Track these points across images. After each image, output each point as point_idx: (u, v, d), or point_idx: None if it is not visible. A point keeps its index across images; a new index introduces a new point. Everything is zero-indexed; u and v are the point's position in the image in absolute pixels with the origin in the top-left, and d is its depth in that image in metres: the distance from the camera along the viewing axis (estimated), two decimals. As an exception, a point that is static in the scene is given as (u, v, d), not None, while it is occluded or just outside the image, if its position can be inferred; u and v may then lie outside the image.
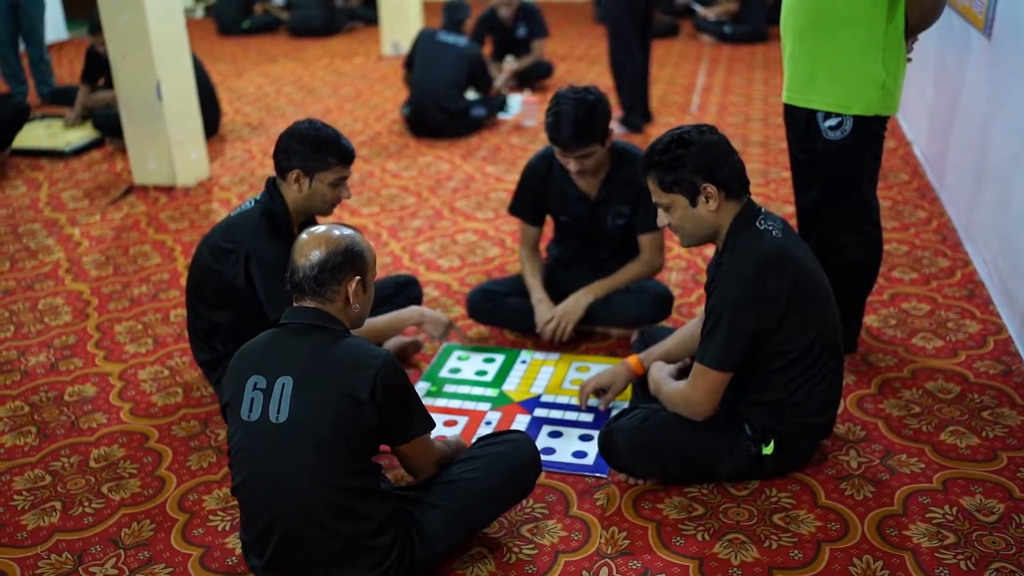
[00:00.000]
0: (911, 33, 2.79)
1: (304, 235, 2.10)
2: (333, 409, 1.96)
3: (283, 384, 1.98)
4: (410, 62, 6.03)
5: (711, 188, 2.32)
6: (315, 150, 2.67)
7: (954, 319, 3.32)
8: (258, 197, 2.79)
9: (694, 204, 2.36)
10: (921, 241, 3.99)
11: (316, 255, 2.04)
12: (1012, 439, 2.64)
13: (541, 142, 5.67)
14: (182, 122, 5.02)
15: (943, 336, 3.21)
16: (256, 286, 2.69)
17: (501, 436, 2.36)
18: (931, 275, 3.67)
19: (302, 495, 1.97)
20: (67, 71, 8.33)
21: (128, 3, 4.67)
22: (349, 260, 2.06)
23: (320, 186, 2.72)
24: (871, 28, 2.72)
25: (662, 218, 2.45)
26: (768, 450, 2.44)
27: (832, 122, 2.82)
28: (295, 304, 2.09)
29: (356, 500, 2.01)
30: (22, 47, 7.05)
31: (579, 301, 3.19)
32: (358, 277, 2.09)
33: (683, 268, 3.85)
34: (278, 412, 1.98)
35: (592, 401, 2.88)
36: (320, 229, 2.10)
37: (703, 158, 2.31)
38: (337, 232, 2.08)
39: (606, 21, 5.75)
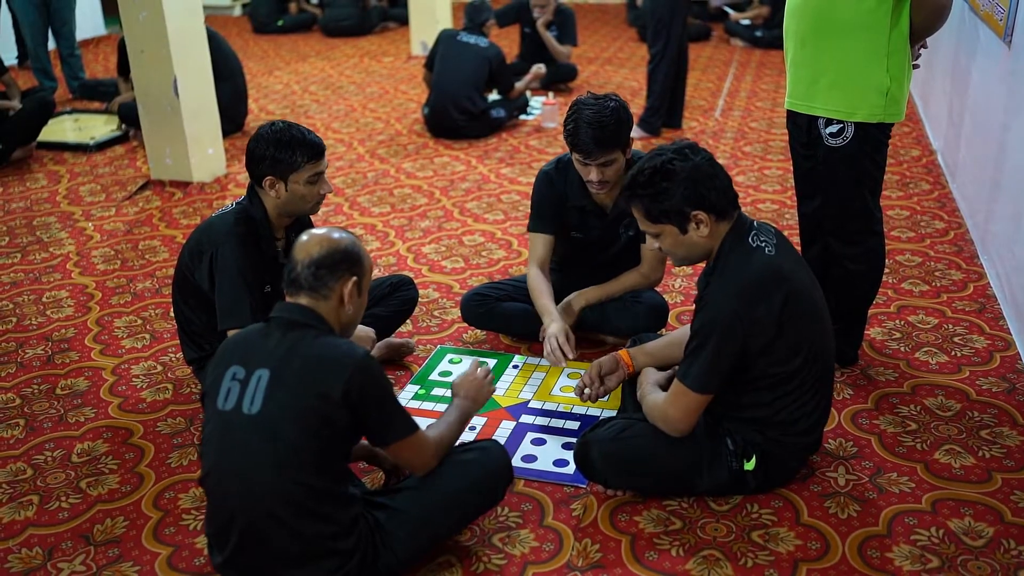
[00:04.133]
0: (916, 39, 2.71)
1: (304, 235, 2.11)
2: (305, 406, 1.95)
3: (260, 376, 1.99)
4: (430, 62, 6.01)
5: (702, 215, 2.24)
6: (281, 151, 2.63)
7: (962, 334, 3.21)
8: (240, 199, 2.78)
9: (684, 231, 2.28)
10: (936, 252, 3.88)
11: (316, 252, 2.06)
12: (1009, 460, 2.55)
13: (559, 145, 5.63)
14: (199, 118, 5.05)
15: (948, 351, 3.11)
16: (215, 290, 2.68)
17: (472, 444, 2.32)
18: (942, 288, 3.56)
19: (266, 489, 1.96)
20: (103, 67, 8.44)
21: (146, 0, 4.70)
22: (347, 260, 2.08)
23: (296, 187, 2.68)
24: (874, 34, 2.64)
25: (651, 243, 2.38)
26: (750, 466, 2.37)
27: (833, 128, 2.74)
28: (288, 300, 2.09)
29: (320, 501, 1.99)
30: (53, 44, 7.15)
31: (570, 306, 3.13)
32: (354, 278, 2.09)
33: (688, 275, 3.78)
34: (251, 403, 1.98)
35: (579, 408, 2.83)
36: (321, 230, 2.12)
37: (690, 187, 2.22)
38: (337, 234, 2.11)
39: (651, 18, 5.63)
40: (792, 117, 2.92)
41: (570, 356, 2.91)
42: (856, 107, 2.70)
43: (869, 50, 2.66)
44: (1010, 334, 3.19)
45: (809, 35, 2.75)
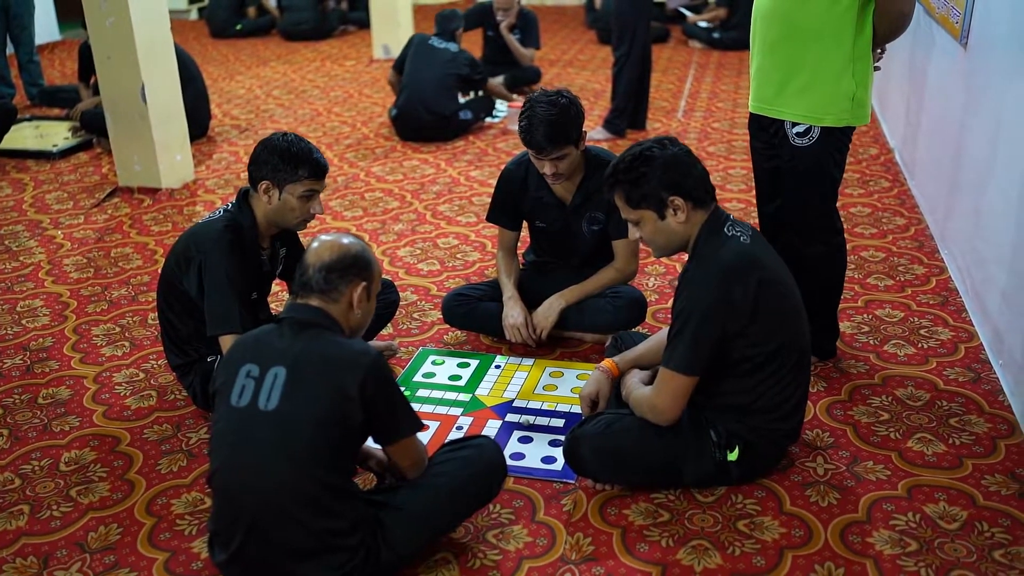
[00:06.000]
0: (878, 44, 2.82)
1: (316, 241, 2.18)
2: (323, 403, 2.01)
3: (276, 374, 2.03)
4: (400, 65, 6.05)
5: (678, 200, 2.35)
6: (285, 161, 2.68)
7: (927, 326, 3.33)
8: (228, 206, 2.80)
9: (663, 217, 2.38)
10: (898, 248, 4.00)
11: (327, 256, 2.12)
12: (978, 447, 2.65)
13: (526, 147, 5.69)
14: (167, 124, 5.03)
15: (915, 343, 3.22)
16: (204, 296, 2.70)
17: (467, 441, 2.38)
18: (906, 282, 3.68)
19: (281, 484, 1.99)
20: (59, 72, 8.34)
21: (113, 6, 4.67)
22: (357, 266, 2.15)
23: (290, 198, 2.72)
24: (840, 41, 2.73)
25: (633, 232, 2.47)
26: (733, 456, 2.45)
27: (800, 128, 2.83)
28: (299, 301, 2.14)
29: (333, 496, 2.04)
30: (11, 49, 7.06)
31: (552, 306, 3.21)
32: (364, 283, 2.16)
33: (661, 274, 3.86)
34: (268, 400, 2.02)
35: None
36: (333, 235, 2.19)
37: (667, 172, 2.34)
38: (347, 240, 2.18)
39: (616, 20, 5.70)
40: (756, 120, 3.00)
41: (531, 344, 3.21)
42: (824, 112, 2.80)
43: (836, 57, 2.75)
44: (972, 326, 3.31)
45: (778, 41, 2.83)
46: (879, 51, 2.87)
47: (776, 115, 2.86)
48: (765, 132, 2.94)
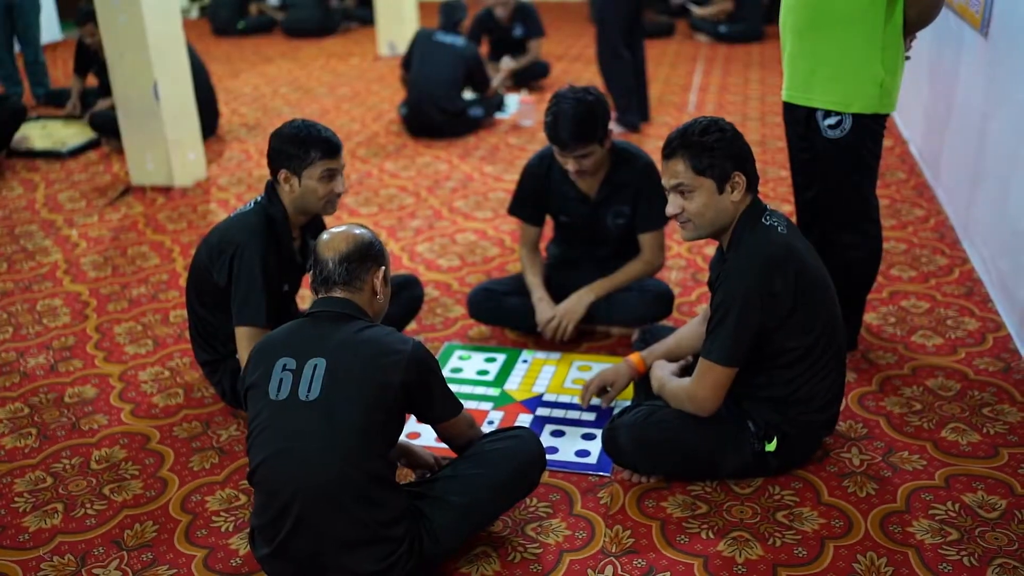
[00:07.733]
0: (909, 31, 2.80)
1: (325, 235, 2.18)
2: (366, 392, 2.01)
3: (315, 365, 2.03)
4: (407, 62, 6.03)
5: (740, 177, 2.34)
6: (296, 147, 2.68)
7: (953, 317, 3.33)
8: (258, 199, 2.79)
9: (721, 191, 2.36)
10: (919, 239, 4.00)
11: (343, 248, 2.14)
12: (1012, 436, 2.65)
13: (538, 142, 5.68)
14: (179, 123, 5.02)
15: (942, 334, 3.22)
16: (232, 286, 2.69)
17: (506, 432, 2.37)
18: (930, 273, 3.68)
19: (328, 474, 1.98)
20: (62, 72, 8.30)
21: (126, 4, 4.66)
22: (372, 253, 2.17)
23: (309, 182, 2.71)
24: (870, 27, 2.73)
25: (674, 204, 2.39)
26: (771, 447, 2.44)
27: (831, 120, 2.83)
28: (323, 295, 2.14)
29: (378, 486, 2.04)
30: (17, 48, 7.03)
31: (580, 300, 3.20)
32: (383, 268, 2.18)
33: (683, 267, 3.85)
34: (309, 391, 2.02)
35: (594, 400, 2.88)
36: (342, 228, 2.20)
37: (737, 146, 2.35)
38: (358, 230, 2.20)
39: (594, 20, 5.72)
40: (789, 109, 3.00)
41: (565, 339, 3.19)
42: (853, 99, 2.79)
43: (865, 43, 2.75)
44: (999, 316, 3.30)
45: (807, 29, 2.82)
46: (909, 39, 2.87)
47: (806, 103, 2.86)
48: (798, 123, 2.94)
